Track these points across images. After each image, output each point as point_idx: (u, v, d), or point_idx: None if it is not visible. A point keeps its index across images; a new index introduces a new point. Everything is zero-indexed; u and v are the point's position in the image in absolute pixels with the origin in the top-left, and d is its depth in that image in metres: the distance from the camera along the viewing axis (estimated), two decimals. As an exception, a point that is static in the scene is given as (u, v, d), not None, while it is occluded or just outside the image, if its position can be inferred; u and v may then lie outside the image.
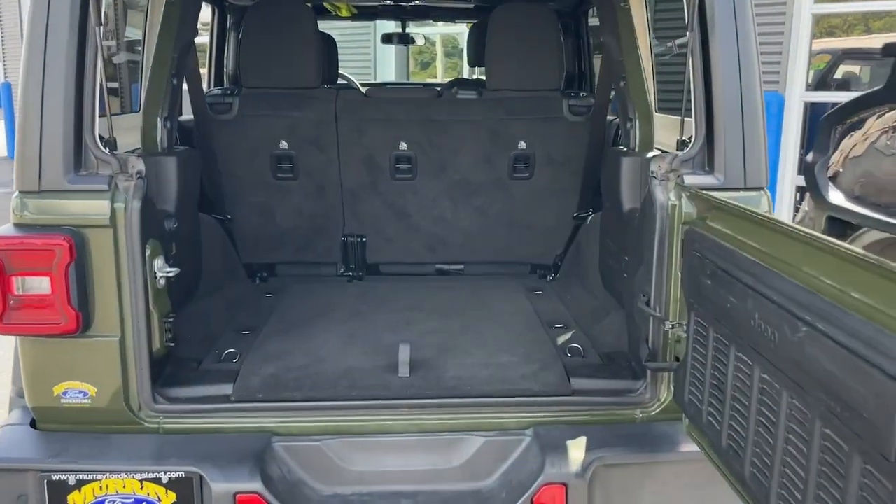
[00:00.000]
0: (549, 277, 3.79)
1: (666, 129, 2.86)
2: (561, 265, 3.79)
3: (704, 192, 2.14)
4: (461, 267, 3.84)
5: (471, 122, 3.66)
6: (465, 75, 9.52)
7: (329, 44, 4.45)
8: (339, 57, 4.67)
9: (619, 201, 2.90)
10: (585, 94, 4.09)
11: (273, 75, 3.50)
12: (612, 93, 3.36)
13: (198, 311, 2.90)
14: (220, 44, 4.54)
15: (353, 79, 5.64)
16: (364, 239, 3.74)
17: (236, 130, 3.54)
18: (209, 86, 4.48)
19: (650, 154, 2.78)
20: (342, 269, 3.77)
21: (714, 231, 2.00)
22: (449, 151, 3.67)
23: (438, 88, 4.44)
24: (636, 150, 2.99)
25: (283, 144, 3.57)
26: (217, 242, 3.41)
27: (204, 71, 4.36)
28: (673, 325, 2.26)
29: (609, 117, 3.61)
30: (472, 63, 5.34)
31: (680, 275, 2.23)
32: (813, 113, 7.54)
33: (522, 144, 3.62)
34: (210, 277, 3.17)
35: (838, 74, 8.86)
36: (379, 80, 11.09)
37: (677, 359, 2.27)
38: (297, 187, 3.65)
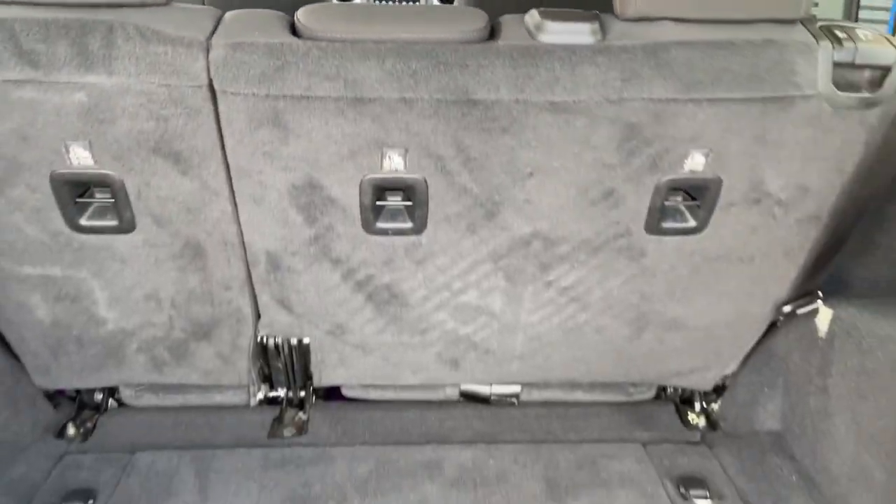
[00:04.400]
0: (696, 415, 2.10)
1: None
2: (724, 392, 2.07)
3: None
4: (515, 391, 2.12)
5: (573, 105, 1.43)
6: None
7: None
8: None
9: None
10: (869, 35, 1.50)
11: None
12: None
13: None
14: None
15: None
16: (305, 342, 1.89)
17: None
18: None
19: None
20: (260, 394, 2.06)
21: None
22: (508, 172, 1.52)
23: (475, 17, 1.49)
24: None
25: (79, 154, 1.47)
26: None
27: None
28: None
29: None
30: None
31: None
32: None
33: (697, 159, 1.52)
34: None
35: None
36: None
37: None
38: (136, 247, 1.64)
